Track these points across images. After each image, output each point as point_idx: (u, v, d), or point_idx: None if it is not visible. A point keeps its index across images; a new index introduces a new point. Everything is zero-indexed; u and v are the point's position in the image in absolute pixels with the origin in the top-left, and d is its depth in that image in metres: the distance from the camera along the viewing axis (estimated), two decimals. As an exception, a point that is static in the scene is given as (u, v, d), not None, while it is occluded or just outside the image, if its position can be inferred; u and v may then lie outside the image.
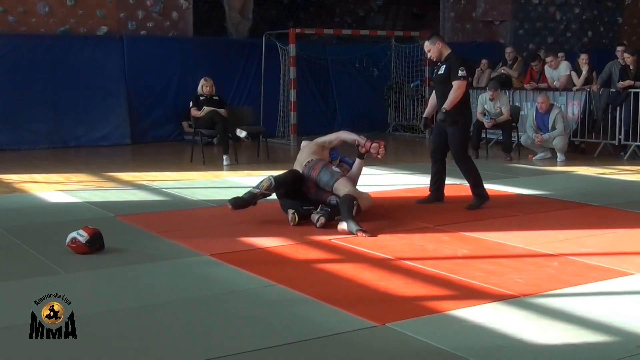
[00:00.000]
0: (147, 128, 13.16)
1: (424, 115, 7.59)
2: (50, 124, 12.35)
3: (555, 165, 10.24)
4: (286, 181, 6.36)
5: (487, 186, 8.38)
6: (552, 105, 10.69)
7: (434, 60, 7.16)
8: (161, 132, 13.32)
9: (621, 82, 10.85)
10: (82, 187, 8.42)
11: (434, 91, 7.30)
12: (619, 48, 11.44)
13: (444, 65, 6.93)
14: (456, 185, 8.32)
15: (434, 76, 7.30)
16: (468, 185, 7.19)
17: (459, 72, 6.77)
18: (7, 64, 12.00)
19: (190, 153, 10.62)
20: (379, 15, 17.82)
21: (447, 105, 6.80)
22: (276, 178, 6.31)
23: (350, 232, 5.80)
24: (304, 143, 7.01)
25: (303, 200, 6.41)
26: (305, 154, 6.67)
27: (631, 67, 10.96)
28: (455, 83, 6.79)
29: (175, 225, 6.25)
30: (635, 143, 10.83)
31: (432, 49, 6.98)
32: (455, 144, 6.98)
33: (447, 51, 6.98)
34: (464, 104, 6.99)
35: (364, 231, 5.79)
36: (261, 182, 6.30)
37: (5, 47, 12.06)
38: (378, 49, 15.05)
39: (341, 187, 6.25)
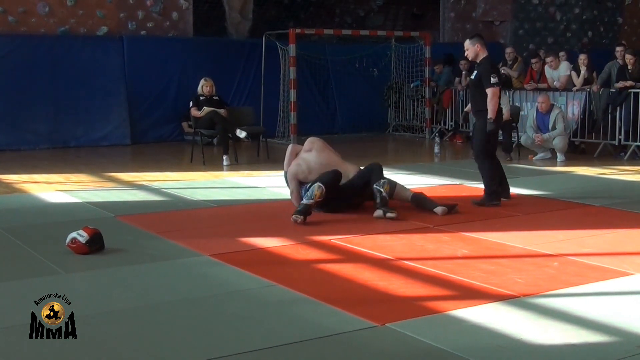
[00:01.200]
0: (147, 128, 13.14)
1: (465, 110, 7.68)
2: (50, 124, 12.35)
3: (555, 165, 10.24)
4: (332, 182, 6.49)
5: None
6: (552, 106, 10.69)
7: (470, 59, 7.34)
8: (161, 132, 13.31)
9: (621, 82, 10.85)
10: (82, 187, 8.42)
11: None
12: (618, 48, 11.44)
13: (476, 71, 7.12)
14: (456, 186, 8.33)
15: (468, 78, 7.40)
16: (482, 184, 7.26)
17: (491, 79, 6.91)
18: (7, 64, 11.99)
19: (190, 153, 10.61)
20: (379, 15, 17.83)
21: (491, 114, 6.95)
22: (324, 182, 6.42)
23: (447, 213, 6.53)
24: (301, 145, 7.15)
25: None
26: (335, 158, 6.93)
27: (629, 68, 10.96)
28: (489, 91, 6.94)
29: (175, 225, 6.25)
30: (635, 143, 10.82)
31: (470, 48, 7.17)
32: (478, 142, 7.19)
33: (483, 54, 7.13)
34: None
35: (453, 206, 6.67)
36: (312, 191, 6.36)
37: (5, 47, 12.05)
38: (378, 49, 15.04)
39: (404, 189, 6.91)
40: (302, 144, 7.18)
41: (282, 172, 7.19)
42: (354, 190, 6.75)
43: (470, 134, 13.18)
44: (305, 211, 6.28)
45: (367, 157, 10.04)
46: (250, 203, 7.42)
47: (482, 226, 6.13)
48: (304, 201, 6.38)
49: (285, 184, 7.08)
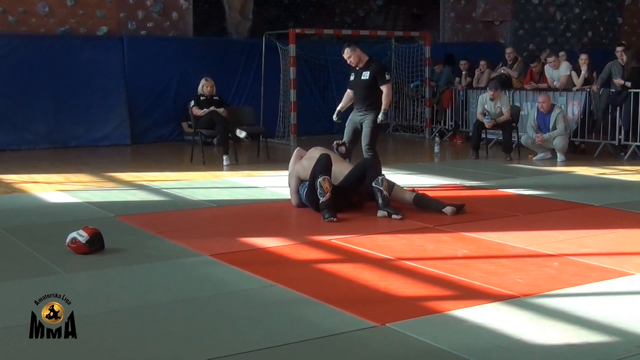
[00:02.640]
0: (147, 128, 13.15)
1: (339, 109, 8.29)
2: (50, 124, 12.35)
3: (555, 165, 10.24)
4: (327, 167, 6.55)
5: (487, 186, 8.42)
6: (553, 105, 10.68)
7: (353, 65, 7.89)
8: (161, 132, 13.31)
9: (616, 80, 10.84)
10: (82, 187, 8.42)
11: (349, 90, 8.10)
12: (618, 48, 11.44)
13: (367, 71, 7.74)
14: (456, 186, 8.33)
15: (352, 79, 7.98)
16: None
17: (386, 76, 7.78)
18: (7, 64, 12.00)
19: (190, 153, 10.62)
20: (379, 15, 17.81)
21: (386, 106, 7.75)
22: (321, 172, 6.44)
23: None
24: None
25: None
26: (335, 157, 6.99)
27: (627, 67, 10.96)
28: (386, 87, 7.72)
29: (175, 225, 6.25)
30: (635, 143, 10.82)
31: (352, 55, 7.78)
32: (370, 136, 7.79)
33: (365, 57, 7.86)
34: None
35: None
36: (320, 187, 6.37)
37: (5, 47, 12.06)
38: (378, 49, 15.02)
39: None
40: (302, 145, 7.29)
41: (281, 172, 7.22)
42: (351, 187, 6.73)
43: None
44: (329, 207, 6.33)
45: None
46: (250, 203, 7.42)
47: (482, 226, 6.13)
48: (322, 200, 6.37)
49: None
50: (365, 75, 7.76)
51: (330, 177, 6.47)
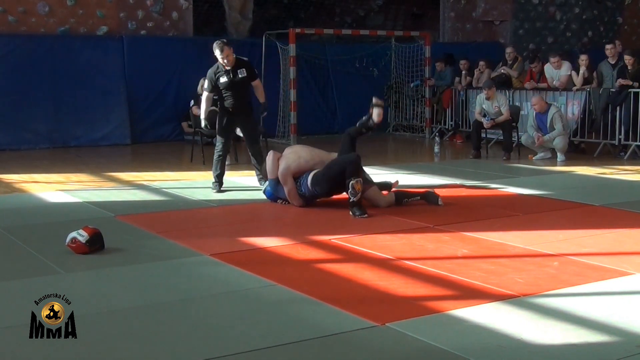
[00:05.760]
0: (147, 128, 13.15)
1: (206, 116, 8.19)
2: (50, 124, 12.35)
3: (555, 165, 10.23)
4: (359, 166, 6.71)
5: (487, 186, 8.40)
6: (549, 105, 10.67)
7: (229, 63, 7.82)
8: (161, 132, 13.31)
9: (620, 80, 10.83)
10: (82, 187, 8.43)
11: (208, 95, 7.99)
12: (608, 46, 11.45)
13: (242, 69, 7.90)
14: (456, 186, 8.32)
15: (226, 80, 7.83)
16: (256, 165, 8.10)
17: (256, 72, 8.23)
18: (7, 64, 11.99)
19: (190, 153, 10.62)
20: (379, 15, 17.81)
21: (265, 99, 8.24)
22: (357, 175, 6.54)
23: None
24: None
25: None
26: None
27: (629, 68, 10.94)
28: (259, 82, 8.25)
29: (175, 225, 6.25)
30: (635, 143, 10.82)
31: (230, 54, 7.83)
32: (256, 130, 8.38)
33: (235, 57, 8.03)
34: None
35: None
36: (352, 188, 6.45)
37: (5, 47, 12.06)
38: (378, 49, 15.04)
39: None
40: (302, 144, 7.34)
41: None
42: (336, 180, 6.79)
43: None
44: (360, 206, 6.48)
45: (368, 157, 10.05)
46: (250, 203, 7.42)
47: (482, 226, 6.13)
48: (353, 199, 6.47)
49: (273, 194, 7.12)
50: (243, 72, 7.91)
51: (361, 178, 6.58)
